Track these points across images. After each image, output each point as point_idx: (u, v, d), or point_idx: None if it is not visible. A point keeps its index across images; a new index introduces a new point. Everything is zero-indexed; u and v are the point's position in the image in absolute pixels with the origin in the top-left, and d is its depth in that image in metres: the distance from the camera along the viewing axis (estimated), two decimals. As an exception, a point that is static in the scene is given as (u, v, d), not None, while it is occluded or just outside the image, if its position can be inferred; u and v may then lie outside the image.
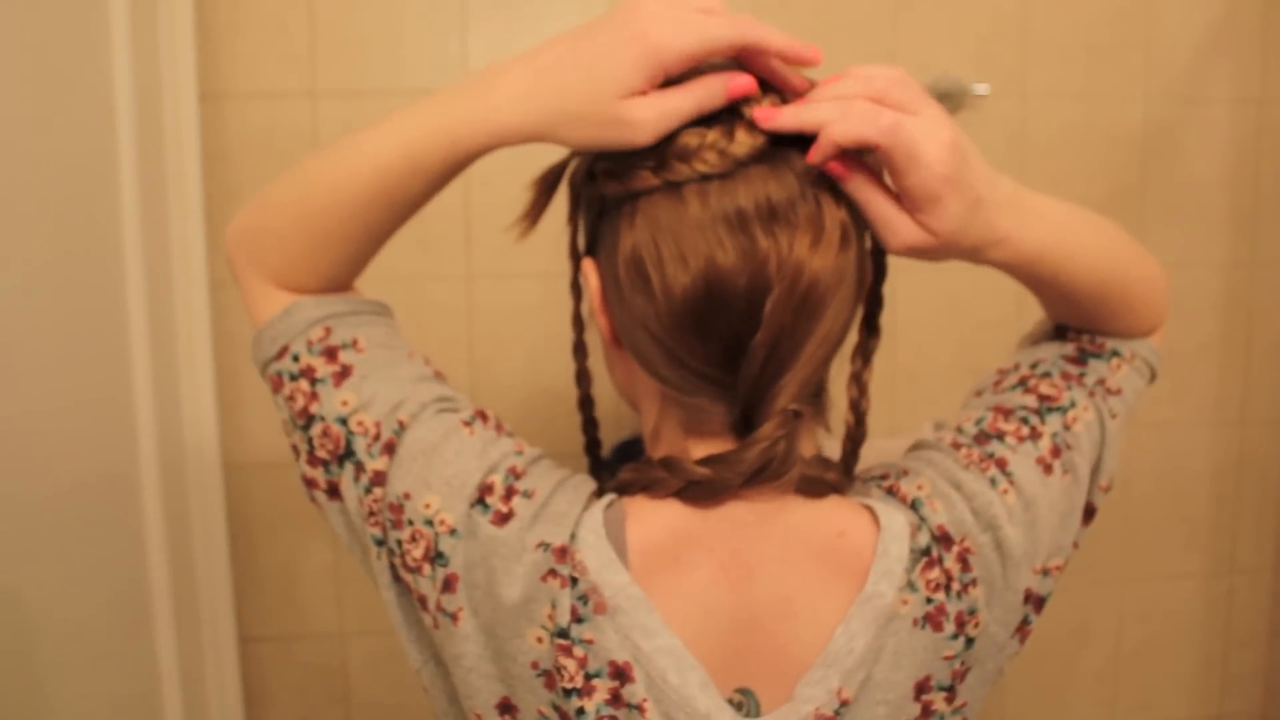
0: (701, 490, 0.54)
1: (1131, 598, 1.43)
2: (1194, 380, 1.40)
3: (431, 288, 1.22)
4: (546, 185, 0.62)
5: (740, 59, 0.54)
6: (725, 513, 0.54)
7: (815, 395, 0.56)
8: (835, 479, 0.57)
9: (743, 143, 0.51)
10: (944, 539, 0.56)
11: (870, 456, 1.37)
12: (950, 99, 1.27)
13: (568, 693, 0.51)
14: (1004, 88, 1.29)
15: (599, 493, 0.57)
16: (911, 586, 0.53)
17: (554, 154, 0.61)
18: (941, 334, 1.32)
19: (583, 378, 0.66)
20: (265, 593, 1.25)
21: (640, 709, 0.50)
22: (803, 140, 0.52)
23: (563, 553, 0.52)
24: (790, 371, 0.51)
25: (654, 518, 0.54)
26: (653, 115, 0.50)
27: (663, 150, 0.52)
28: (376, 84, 1.19)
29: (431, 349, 1.24)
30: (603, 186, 0.56)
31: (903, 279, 1.30)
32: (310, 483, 0.59)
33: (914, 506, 0.56)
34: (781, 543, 0.54)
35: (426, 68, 1.19)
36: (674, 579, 0.53)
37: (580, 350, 0.66)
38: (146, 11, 1.04)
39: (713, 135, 0.51)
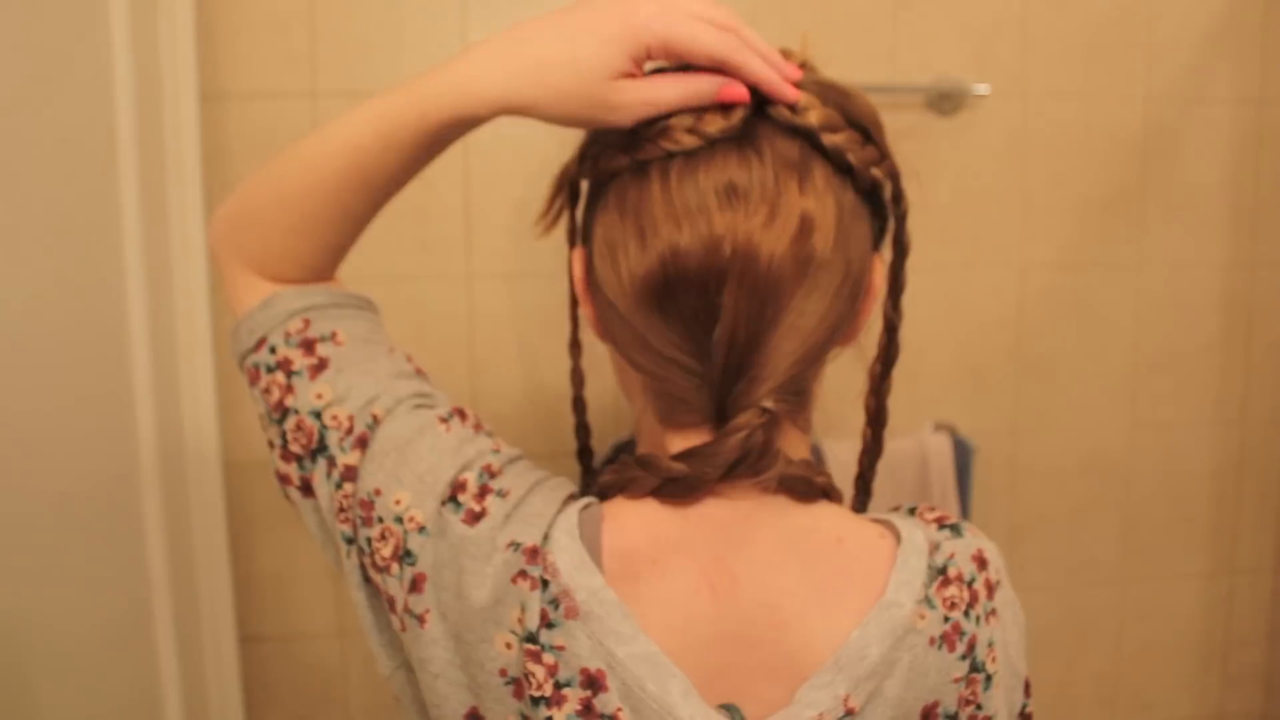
0: (679, 487, 0.52)
1: (1131, 598, 1.43)
2: (1194, 380, 1.40)
3: (431, 288, 1.22)
4: (563, 183, 0.61)
5: (724, 71, 0.53)
6: (706, 514, 0.53)
7: (797, 395, 0.54)
8: (825, 483, 0.55)
9: (713, 122, 0.51)
10: (979, 560, 0.54)
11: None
12: (950, 99, 1.27)
13: (536, 702, 0.48)
14: (1004, 88, 1.29)
15: (582, 495, 0.56)
16: (929, 602, 0.51)
17: (557, 153, 0.61)
18: (941, 334, 1.33)
19: (576, 376, 0.65)
20: (265, 593, 1.25)
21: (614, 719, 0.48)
22: (781, 128, 0.52)
23: (534, 554, 0.50)
24: (760, 362, 0.50)
25: (631, 519, 0.53)
26: (633, 99, 0.50)
27: (636, 130, 0.52)
28: (376, 84, 1.19)
29: (431, 349, 1.25)
30: (587, 173, 0.57)
31: (903, 279, 1.30)
32: (284, 479, 0.58)
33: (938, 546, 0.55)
34: (768, 547, 0.52)
35: (426, 68, 1.19)
36: (652, 584, 0.51)
37: (575, 347, 0.65)
38: (146, 11, 1.04)
39: (684, 115, 0.51)
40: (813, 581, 0.52)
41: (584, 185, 0.60)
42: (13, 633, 0.83)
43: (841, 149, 0.53)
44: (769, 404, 0.50)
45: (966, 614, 0.52)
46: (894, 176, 0.57)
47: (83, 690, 0.92)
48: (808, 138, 0.53)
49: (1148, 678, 1.45)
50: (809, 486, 0.54)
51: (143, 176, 1.02)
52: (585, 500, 0.54)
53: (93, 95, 0.96)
